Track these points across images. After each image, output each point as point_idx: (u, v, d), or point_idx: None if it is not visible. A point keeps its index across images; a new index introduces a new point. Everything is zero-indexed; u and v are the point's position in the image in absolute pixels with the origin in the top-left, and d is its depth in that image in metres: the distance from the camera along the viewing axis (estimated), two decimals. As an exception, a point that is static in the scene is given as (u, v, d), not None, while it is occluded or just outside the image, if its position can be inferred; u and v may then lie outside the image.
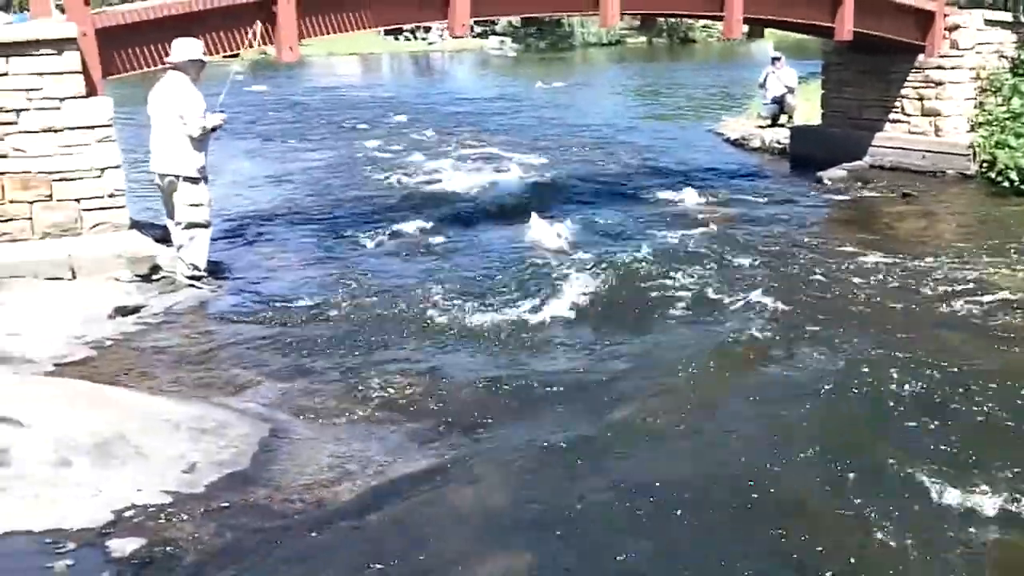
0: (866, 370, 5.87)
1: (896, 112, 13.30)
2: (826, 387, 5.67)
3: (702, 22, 43.89)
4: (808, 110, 16.27)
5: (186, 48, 7.62)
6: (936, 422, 5.21)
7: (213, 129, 7.70)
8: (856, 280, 7.97)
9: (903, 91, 13.15)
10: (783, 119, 16.69)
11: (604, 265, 8.12)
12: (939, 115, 12.84)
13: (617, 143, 17.30)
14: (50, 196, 7.46)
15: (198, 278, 7.73)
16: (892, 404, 5.45)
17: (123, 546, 3.91)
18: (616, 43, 52.84)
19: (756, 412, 5.46)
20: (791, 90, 16.56)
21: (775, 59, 16.90)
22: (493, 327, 6.88)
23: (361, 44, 44.06)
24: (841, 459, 4.80)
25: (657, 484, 4.60)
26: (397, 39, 49.37)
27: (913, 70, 12.99)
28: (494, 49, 51.00)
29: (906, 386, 5.62)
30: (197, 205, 7.69)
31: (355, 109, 23.73)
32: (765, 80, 16.95)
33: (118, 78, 8.03)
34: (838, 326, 6.83)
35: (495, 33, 52.69)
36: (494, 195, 12.10)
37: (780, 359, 6.22)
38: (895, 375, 5.76)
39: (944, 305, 7.34)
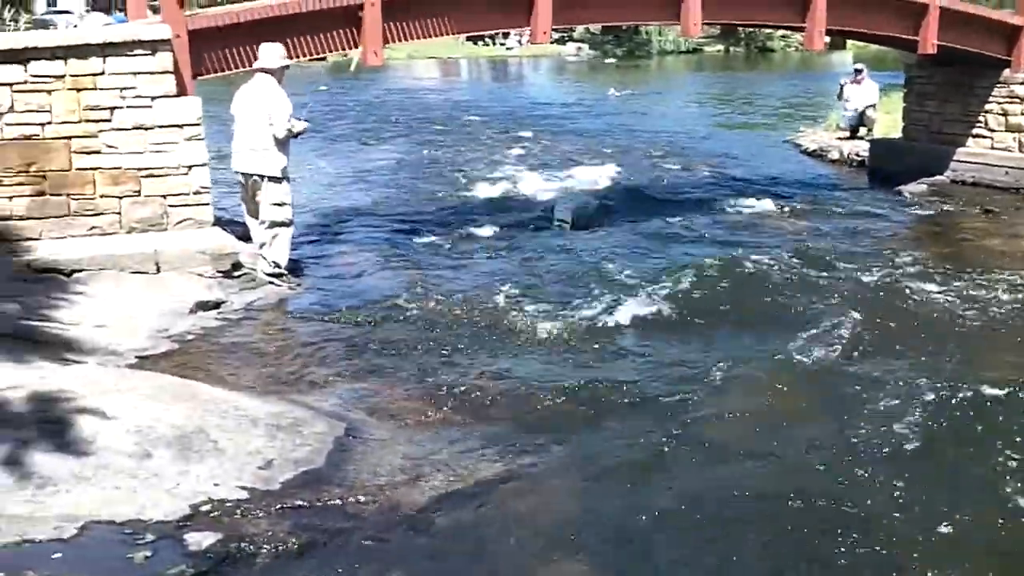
0: (942, 390, 5.74)
1: (979, 127, 13.01)
2: (901, 408, 5.55)
3: (781, 31, 43.34)
4: (887, 123, 15.96)
5: (276, 52, 7.80)
6: (1015, 446, 5.08)
7: (297, 134, 7.87)
8: (935, 297, 7.81)
9: (987, 106, 12.87)
10: (862, 131, 16.40)
11: (675, 273, 8.08)
12: (1023, 131, 12.51)
13: (691, 151, 17.15)
14: (138, 192, 7.67)
15: (279, 275, 7.89)
16: (969, 426, 5.34)
17: (200, 540, 3.99)
18: (693, 51, 52.43)
19: (829, 430, 5.38)
20: (872, 105, 16.25)
21: (857, 71, 16.59)
22: (564, 332, 6.90)
23: (440, 48, 44.36)
24: (915, 480, 4.74)
25: (726, 500, 4.58)
26: (476, 44, 49.65)
27: (997, 85, 12.71)
28: (571, 55, 50.99)
29: (985, 407, 5.50)
30: (281, 204, 7.85)
31: (432, 111, 23.89)
32: (842, 90, 16.68)
33: (206, 79, 8.21)
34: (915, 344, 6.72)
35: (572, 39, 52.65)
36: (567, 200, 12.10)
37: (854, 377, 6.10)
38: (972, 395, 5.63)
39: (1026, 325, 7.17)
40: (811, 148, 16.82)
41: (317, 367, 6.19)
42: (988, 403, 5.56)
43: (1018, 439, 5.17)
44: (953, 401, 5.58)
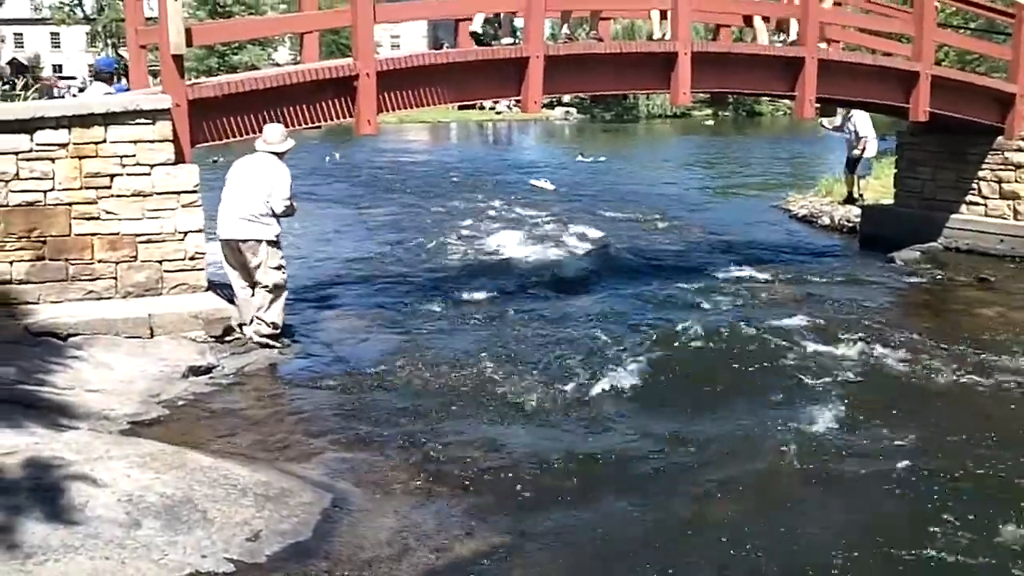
0: (939, 465, 5.76)
1: (973, 194, 12.97)
2: (898, 485, 5.57)
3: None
4: (879, 189, 16.00)
5: (280, 133, 8.02)
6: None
7: (290, 213, 8.08)
8: (930, 369, 7.73)
9: (980, 173, 12.85)
10: (861, 184, 16.21)
11: (663, 342, 8.05)
12: (1018, 198, 12.53)
13: (678, 216, 17.14)
14: (135, 257, 7.77)
15: (275, 338, 7.99)
16: (967, 503, 5.31)
17: (185, 613, 4.00)
18: (681, 115, 52.88)
19: (824, 508, 5.38)
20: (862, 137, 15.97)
21: (846, 117, 16.34)
22: (552, 401, 6.95)
23: (431, 113, 45.01)
24: (915, 557, 4.74)
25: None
26: (464, 108, 50.22)
27: (991, 152, 12.71)
28: (559, 119, 51.60)
29: (985, 484, 5.51)
30: (278, 267, 8.02)
31: (421, 175, 24.11)
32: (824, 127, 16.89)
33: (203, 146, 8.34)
34: (910, 419, 6.66)
35: (561, 104, 53.30)
36: (553, 266, 12.20)
37: (848, 452, 6.06)
38: (970, 470, 5.66)
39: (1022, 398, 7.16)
40: (801, 213, 16.80)
41: (305, 435, 6.23)
42: (983, 478, 5.58)
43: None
44: (948, 478, 5.60)
